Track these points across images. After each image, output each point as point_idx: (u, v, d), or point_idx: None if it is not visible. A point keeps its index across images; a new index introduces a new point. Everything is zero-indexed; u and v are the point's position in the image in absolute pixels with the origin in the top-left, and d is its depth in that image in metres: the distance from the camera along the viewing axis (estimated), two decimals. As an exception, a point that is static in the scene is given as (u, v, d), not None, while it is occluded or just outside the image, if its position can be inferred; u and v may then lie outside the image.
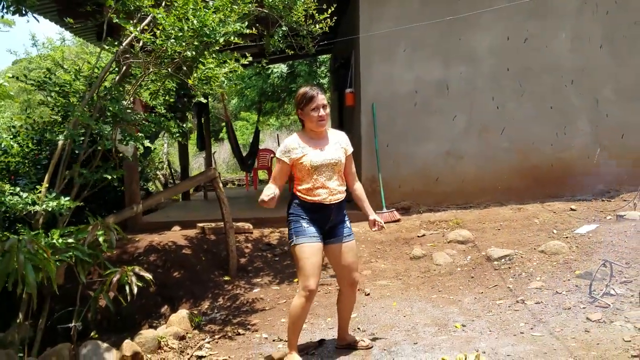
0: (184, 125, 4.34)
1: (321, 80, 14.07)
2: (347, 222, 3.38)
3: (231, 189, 13.61)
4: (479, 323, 3.74)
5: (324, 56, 13.90)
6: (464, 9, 6.57)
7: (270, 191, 3.10)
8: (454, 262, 5.08)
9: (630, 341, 3.19)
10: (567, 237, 5.02)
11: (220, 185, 5.29)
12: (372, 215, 3.44)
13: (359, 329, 3.92)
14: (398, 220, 6.47)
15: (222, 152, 19.63)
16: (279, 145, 14.21)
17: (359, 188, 3.49)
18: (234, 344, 3.90)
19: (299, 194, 3.29)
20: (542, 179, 6.68)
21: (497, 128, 6.82)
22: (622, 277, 4.12)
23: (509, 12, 6.68)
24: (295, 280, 5.22)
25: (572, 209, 5.94)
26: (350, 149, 3.39)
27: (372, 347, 3.53)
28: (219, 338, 4.03)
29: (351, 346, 3.54)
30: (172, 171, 13.80)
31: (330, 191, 3.24)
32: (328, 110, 3.24)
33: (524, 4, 6.59)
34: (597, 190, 6.60)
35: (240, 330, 4.17)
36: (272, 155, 12.50)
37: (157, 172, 13.43)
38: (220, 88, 3.56)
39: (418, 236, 5.90)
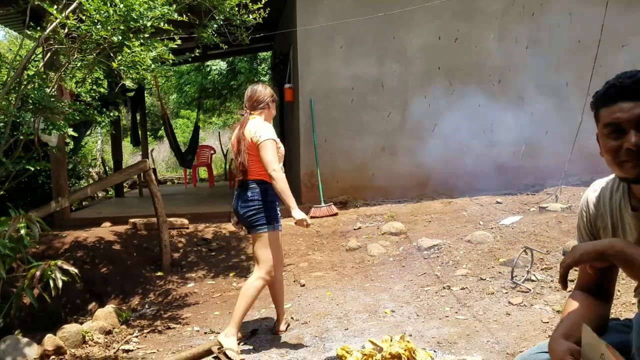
0: (111, 114, 4.19)
1: (262, 78, 14.01)
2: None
3: (170, 186, 13.30)
4: (408, 308, 3.86)
5: (265, 53, 13.86)
6: (397, 7, 6.74)
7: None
8: (386, 253, 5.20)
9: (548, 322, 3.39)
10: (492, 228, 5.25)
11: (153, 178, 5.16)
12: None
13: (292, 318, 3.94)
14: (335, 214, 6.56)
15: (161, 150, 19.14)
16: (220, 143, 14.09)
17: None
18: (164, 338, 3.82)
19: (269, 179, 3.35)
20: (471, 174, 6.95)
21: (429, 125, 7.04)
22: (543, 264, 4.36)
23: (440, 12, 6.92)
24: (232, 273, 5.19)
25: (498, 202, 6.22)
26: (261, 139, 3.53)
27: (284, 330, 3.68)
28: (148, 332, 3.94)
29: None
30: (107, 169, 13.31)
31: None
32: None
33: (454, 4, 6.85)
34: (522, 185, 6.95)
35: (171, 324, 4.09)
36: (212, 151, 12.31)
37: (90, 170, 12.92)
38: (147, 72, 3.48)
39: (354, 229, 6.00)
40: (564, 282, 1.42)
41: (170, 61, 3.93)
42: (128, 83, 3.70)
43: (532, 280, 4.07)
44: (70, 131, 3.85)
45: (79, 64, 4.12)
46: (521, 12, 7.08)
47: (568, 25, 7.09)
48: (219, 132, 17.83)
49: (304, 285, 4.66)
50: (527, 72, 7.10)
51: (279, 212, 3.45)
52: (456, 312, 3.69)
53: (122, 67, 3.59)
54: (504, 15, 7.09)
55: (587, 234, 1.67)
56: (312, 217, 6.49)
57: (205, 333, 3.87)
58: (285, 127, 9.26)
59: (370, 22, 6.79)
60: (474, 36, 7.03)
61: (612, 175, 1.58)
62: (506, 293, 3.94)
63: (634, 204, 1.50)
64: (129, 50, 3.37)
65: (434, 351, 2.98)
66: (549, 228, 5.03)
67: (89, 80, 4.73)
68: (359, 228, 6.00)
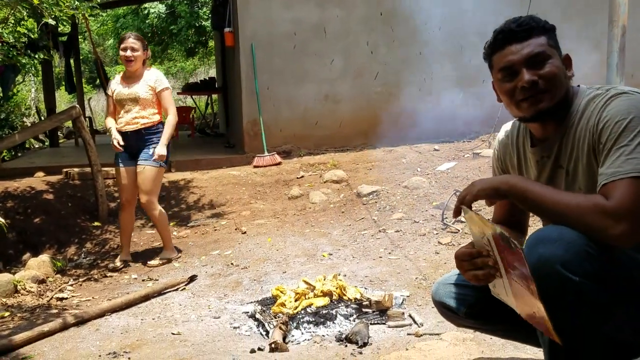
0: (37, 57, 3.97)
1: (204, 23, 13.47)
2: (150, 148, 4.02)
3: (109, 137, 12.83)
4: (344, 251, 3.99)
5: (207, -4, 13.28)
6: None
7: (115, 133, 4.02)
8: (328, 200, 5.30)
9: (472, 259, 3.59)
10: (428, 174, 5.43)
11: (85, 125, 4.97)
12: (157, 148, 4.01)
13: (232, 263, 4.00)
14: (279, 164, 6.57)
15: (101, 99, 18.30)
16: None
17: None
18: (100, 286, 3.80)
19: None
20: (411, 122, 7.07)
21: (371, 72, 7.05)
22: (473, 206, 4.56)
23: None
24: (172, 223, 5.15)
25: (435, 150, 6.40)
26: (160, 85, 4.05)
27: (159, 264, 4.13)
28: (84, 281, 3.91)
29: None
30: (42, 118, 12.67)
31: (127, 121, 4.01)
32: (136, 53, 3.92)
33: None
34: (459, 133, 7.14)
35: (108, 273, 4.07)
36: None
37: (25, 120, 12.29)
38: (72, 10, 3.28)
39: (297, 178, 6.05)
40: (457, 213, 1.51)
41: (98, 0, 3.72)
42: (51, 22, 3.49)
43: (462, 222, 4.27)
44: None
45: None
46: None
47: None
48: (161, 81, 17.17)
49: (245, 232, 4.71)
50: (467, 19, 7.16)
51: (117, 153, 4.09)
52: (389, 253, 3.85)
53: (44, 4, 3.37)
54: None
55: (499, 173, 1.77)
56: (255, 167, 6.48)
57: (143, 280, 3.88)
58: (227, 73, 9.04)
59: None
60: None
61: None
62: (437, 234, 4.13)
63: (534, 140, 1.60)
64: (49, -14, 3.15)
65: (365, 288, 3.12)
66: (480, 172, 5.25)
67: (12, 21, 4.42)
68: (302, 177, 6.05)
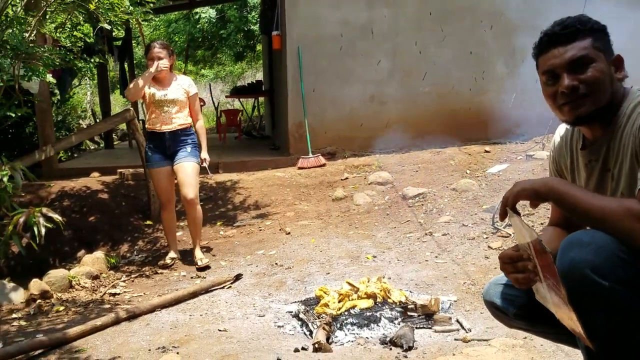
0: (92, 61, 4.13)
1: (252, 27, 13.68)
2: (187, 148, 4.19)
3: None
4: (389, 254, 3.93)
5: (255, 0, 13.49)
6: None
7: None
8: (372, 202, 5.25)
9: (524, 265, 3.47)
10: (478, 177, 5.29)
11: (139, 127, 5.13)
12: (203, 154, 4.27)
13: (276, 263, 4.02)
14: (323, 165, 6.57)
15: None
16: (211, 95, 13.84)
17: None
18: (151, 282, 3.90)
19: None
20: (460, 123, 6.92)
21: (419, 73, 6.94)
22: (525, 209, 4.41)
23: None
24: (219, 222, 5.25)
25: (486, 151, 6.23)
26: (193, 91, 4.24)
27: (206, 266, 4.10)
28: (136, 277, 4.03)
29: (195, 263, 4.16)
30: (97, 121, 13.20)
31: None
32: (165, 62, 4.06)
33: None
34: (511, 134, 6.93)
35: (159, 270, 4.17)
36: (202, 103, 12.16)
37: (81, 122, 12.82)
38: (126, 15, 3.40)
39: (341, 179, 6.03)
40: (502, 215, 1.47)
41: (151, 4, 3.83)
42: (107, 26, 3.62)
43: (509, 225, 4.14)
44: (49, 77, 3.79)
45: (57, 7, 4.01)
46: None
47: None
48: (210, 85, 17.58)
49: (289, 233, 4.73)
50: (518, 17, 6.94)
51: (149, 155, 4.24)
52: (436, 257, 3.77)
53: (100, 10, 3.50)
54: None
55: (555, 175, 1.72)
56: (299, 168, 6.51)
57: (191, 277, 3.95)
58: (274, 76, 9.12)
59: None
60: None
61: None
62: (486, 238, 4.01)
63: (586, 142, 1.56)
64: (105, -9, 3.27)
65: (410, 292, 3.06)
66: (533, 175, 5.06)
67: (69, 25, 4.62)
68: (346, 178, 6.03)
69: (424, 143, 6.96)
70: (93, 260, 3.99)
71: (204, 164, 4.24)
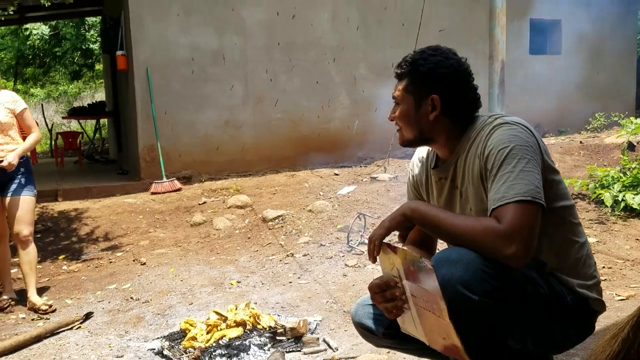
0: None
1: (91, 45, 12.81)
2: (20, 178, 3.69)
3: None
4: (253, 278, 3.94)
5: (94, 19, 12.66)
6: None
7: None
8: (232, 226, 5.22)
9: (378, 280, 3.72)
10: (331, 198, 5.57)
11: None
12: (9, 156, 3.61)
13: (132, 297, 3.77)
14: (179, 190, 6.37)
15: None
16: (44, 117, 12.54)
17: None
18: (-20, 330, 3.39)
19: None
20: (311, 148, 7.24)
21: (271, 99, 7.15)
22: (374, 228, 4.75)
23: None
24: (62, 256, 4.78)
25: (335, 174, 6.59)
26: (21, 106, 3.75)
27: (52, 309, 3.62)
28: (-39, 325, 3.46)
29: (35, 310, 3.61)
30: None
31: None
32: None
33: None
34: (356, 158, 7.44)
35: (-11, 315, 3.65)
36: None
37: None
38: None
39: (199, 204, 5.90)
40: (373, 256, 1.53)
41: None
42: None
43: (366, 244, 4.40)
44: None
45: None
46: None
47: (393, 9, 7.67)
48: (42, 105, 15.96)
49: (144, 263, 4.48)
50: (357, 51, 7.55)
51: None
52: (299, 278, 3.87)
53: None
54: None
55: (413, 195, 1.87)
56: (153, 193, 6.23)
57: (32, 320, 3.52)
58: (119, 97, 8.64)
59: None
60: (309, 14, 7.25)
61: None
62: (343, 257, 4.23)
63: (438, 162, 1.74)
64: None
65: (278, 315, 3.10)
66: (379, 196, 5.49)
67: None
68: (204, 203, 5.91)
69: (279, 166, 7.15)
70: None
71: (3, 163, 3.57)
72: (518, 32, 8.25)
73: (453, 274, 1.34)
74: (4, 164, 3.54)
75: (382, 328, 1.69)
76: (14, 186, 3.67)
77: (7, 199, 3.66)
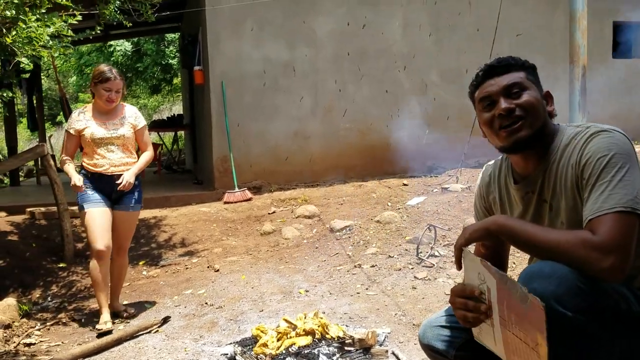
0: (4, 95, 3.87)
1: (170, 61, 13.51)
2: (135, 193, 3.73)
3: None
4: (321, 288, 3.97)
5: (173, 35, 13.36)
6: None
7: (76, 175, 3.52)
8: (301, 235, 5.29)
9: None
10: (399, 209, 5.51)
11: (52, 163, 4.85)
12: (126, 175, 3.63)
13: (206, 303, 3.91)
14: (250, 199, 6.54)
15: (60, 137, 17.89)
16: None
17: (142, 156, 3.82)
18: (69, 330, 3.65)
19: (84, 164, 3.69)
20: (379, 157, 7.21)
21: (340, 109, 7.20)
22: (445, 240, 4.65)
23: (347, -1, 7.07)
24: (141, 262, 5.04)
25: (404, 184, 6.52)
26: (141, 124, 3.78)
27: (134, 315, 3.78)
28: (52, 325, 3.74)
29: (117, 315, 3.76)
30: (1, 156, 12.29)
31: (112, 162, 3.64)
32: (119, 95, 3.63)
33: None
34: (426, 167, 7.31)
35: (77, 316, 3.91)
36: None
37: (-20, 157, 11.89)
38: (45, 49, 3.25)
39: (269, 213, 6.03)
40: (459, 263, 1.50)
41: (70, 38, 3.70)
42: (24, 60, 3.42)
43: (436, 256, 4.34)
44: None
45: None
46: (423, 1, 7.39)
47: (467, 14, 7.52)
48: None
49: (218, 270, 4.64)
50: (428, 58, 7.45)
51: (87, 194, 3.60)
52: (367, 289, 3.86)
53: (17, 43, 3.32)
54: (407, 3, 7.35)
55: (482, 211, 1.82)
56: (225, 203, 6.44)
57: (114, 322, 3.74)
58: (195, 110, 9.03)
59: (280, 5, 6.79)
60: (379, 23, 7.25)
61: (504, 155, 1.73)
62: (412, 269, 4.17)
63: (517, 177, 1.66)
64: (24, 25, 3.12)
65: (346, 325, 3.10)
66: (450, 207, 5.36)
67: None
68: (274, 212, 6.04)
69: (346, 176, 7.17)
70: (4, 308, 3.66)
71: (121, 180, 3.56)
72: (600, 36, 7.83)
73: (546, 288, 1.28)
74: (123, 183, 3.53)
75: (454, 350, 1.63)
76: (128, 201, 3.67)
77: (121, 212, 3.67)
